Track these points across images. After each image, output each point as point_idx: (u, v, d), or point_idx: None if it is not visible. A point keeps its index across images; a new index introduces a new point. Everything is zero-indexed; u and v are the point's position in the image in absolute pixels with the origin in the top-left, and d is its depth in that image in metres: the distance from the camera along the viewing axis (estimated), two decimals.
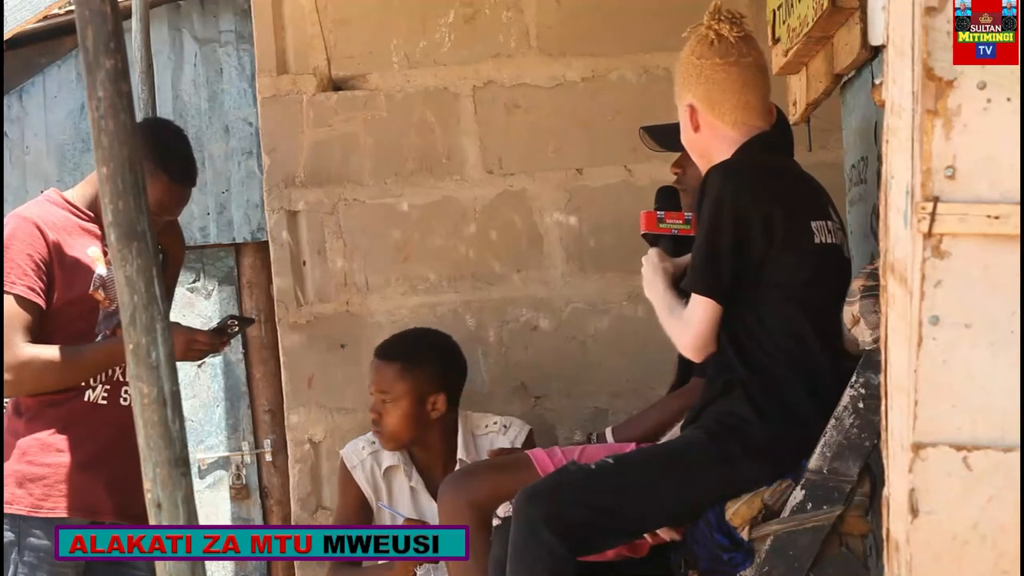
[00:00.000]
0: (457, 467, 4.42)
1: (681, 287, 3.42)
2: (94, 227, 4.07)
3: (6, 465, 3.99)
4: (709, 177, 3.34)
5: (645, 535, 3.53)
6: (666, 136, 3.81)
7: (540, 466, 3.63)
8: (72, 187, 4.22)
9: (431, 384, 4.42)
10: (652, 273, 3.52)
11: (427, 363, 4.43)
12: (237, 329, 4.22)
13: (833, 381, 3.27)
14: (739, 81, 3.43)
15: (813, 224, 3.37)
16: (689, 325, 3.36)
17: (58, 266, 3.99)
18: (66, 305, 4.00)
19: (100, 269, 4.04)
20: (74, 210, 4.08)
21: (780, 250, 3.31)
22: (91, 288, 4.03)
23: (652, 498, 3.36)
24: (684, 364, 4.13)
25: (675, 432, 3.69)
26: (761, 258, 3.31)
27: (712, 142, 3.44)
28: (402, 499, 4.50)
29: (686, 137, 3.49)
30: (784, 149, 3.63)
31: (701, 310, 3.34)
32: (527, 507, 3.34)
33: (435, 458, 4.48)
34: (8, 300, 3.94)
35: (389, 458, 4.50)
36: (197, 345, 4.11)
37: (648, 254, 3.57)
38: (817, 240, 3.37)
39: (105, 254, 4.03)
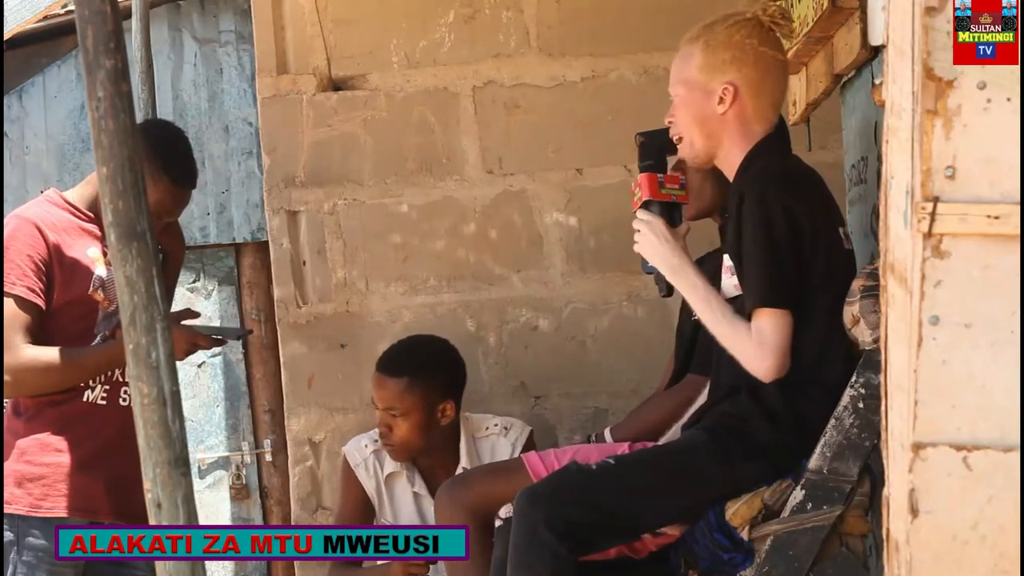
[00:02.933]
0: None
1: (747, 308, 3.26)
2: (94, 228, 4.07)
3: (5, 465, 3.99)
4: (756, 185, 3.27)
5: (647, 537, 3.52)
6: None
7: (533, 470, 3.62)
8: (72, 187, 4.22)
9: (439, 393, 4.37)
10: (658, 240, 3.38)
11: (433, 373, 4.38)
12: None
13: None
14: (783, 79, 3.43)
15: (840, 231, 3.37)
16: (766, 346, 3.22)
17: (58, 267, 3.99)
18: (65, 306, 4.00)
19: (99, 270, 4.04)
20: (74, 211, 4.08)
21: (823, 257, 3.29)
22: (90, 289, 4.03)
23: (653, 498, 3.35)
24: (682, 359, 4.13)
25: (675, 431, 3.68)
26: (808, 265, 3.27)
27: (732, 127, 3.37)
28: (404, 505, 4.49)
29: (702, 113, 3.38)
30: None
31: (778, 324, 3.22)
32: (528, 508, 3.33)
33: (439, 463, 4.45)
34: (8, 301, 3.94)
35: (391, 463, 4.48)
36: (197, 348, 4.13)
37: (651, 221, 3.41)
38: (846, 247, 3.36)
39: (105, 255, 4.03)
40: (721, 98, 3.35)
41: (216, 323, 7.39)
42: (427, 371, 4.37)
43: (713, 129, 3.39)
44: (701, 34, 3.40)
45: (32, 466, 3.99)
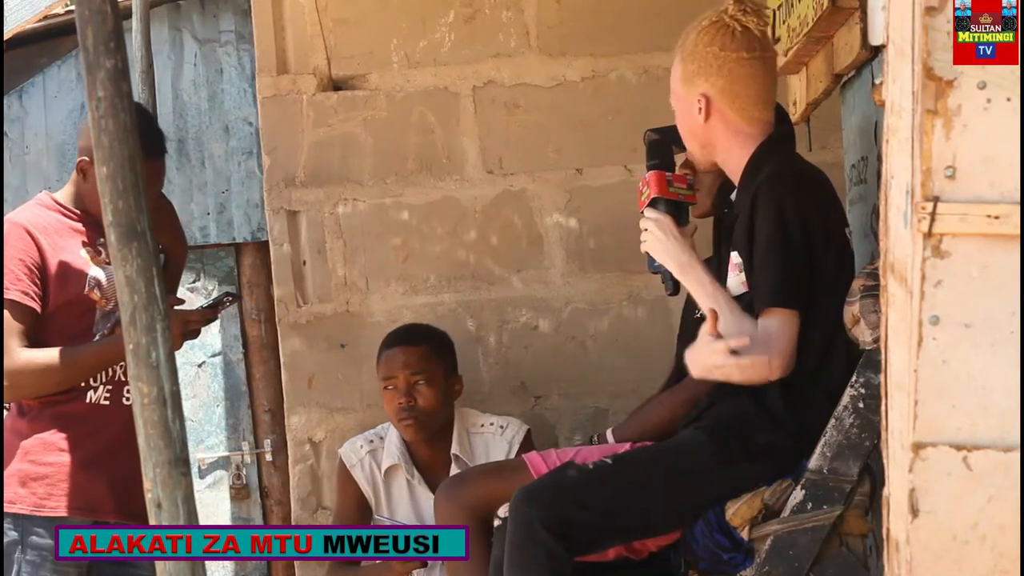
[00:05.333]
0: (452, 463, 4.43)
1: (757, 307, 3.26)
2: (81, 226, 4.07)
3: (9, 465, 4.00)
4: (771, 186, 3.26)
5: (647, 540, 3.52)
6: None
7: (535, 469, 3.62)
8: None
9: (451, 366, 4.52)
10: (667, 237, 3.36)
11: (446, 346, 4.53)
12: (229, 303, 4.23)
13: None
14: (762, 77, 3.38)
15: (846, 230, 3.37)
16: (772, 345, 3.21)
17: (50, 269, 4.00)
18: (62, 307, 4.01)
19: (93, 269, 4.04)
20: (64, 211, 4.09)
21: (833, 258, 3.29)
22: (85, 289, 4.03)
23: (650, 498, 3.35)
24: (683, 360, 4.13)
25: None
26: (819, 267, 3.27)
27: (720, 134, 3.38)
28: (401, 497, 4.51)
29: (690, 124, 3.40)
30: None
31: (786, 324, 3.22)
32: (524, 506, 3.33)
33: (436, 454, 4.48)
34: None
35: (389, 457, 4.50)
36: (191, 325, 4.11)
37: (659, 218, 3.39)
38: (851, 247, 3.37)
39: (99, 253, 4.03)
40: (699, 109, 3.36)
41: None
42: (441, 342, 4.53)
43: (705, 138, 3.40)
44: (679, 43, 3.40)
45: (36, 466, 4.00)
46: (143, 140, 4.03)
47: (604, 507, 3.34)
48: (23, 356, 3.95)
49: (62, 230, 4.06)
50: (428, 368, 4.43)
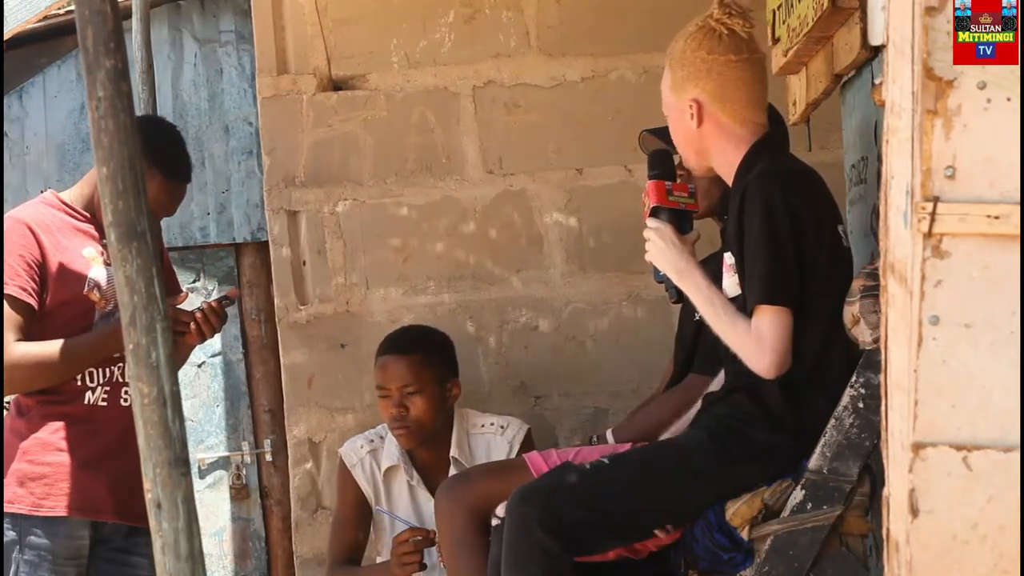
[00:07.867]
0: (450, 465, 4.42)
1: (748, 306, 3.26)
2: (90, 227, 4.07)
3: (8, 465, 4.00)
4: (759, 184, 3.27)
5: (646, 540, 3.51)
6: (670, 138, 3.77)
7: (535, 469, 3.62)
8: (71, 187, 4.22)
9: (447, 370, 4.46)
10: (666, 245, 3.39)
11: (440, 350, 4.48)
12: (228, 303, 4.20)
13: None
14: (752, 78, 3.39)
15: (839, 228, 3.37)
16: (764, 343, 3.21)
17: (50, 267, 4.00)
18: (61, 306, 4.01)
19: (94, 271, 4.04)
20: (69, 211, 4.09)
21: (826, 256, 3.29)
22: (85, 289, 4.03)
23: (648, 498, 3.35)
24: (682, 360, 4.13)
25: (681, 426, 3.66)
26: (811, 265, 3.27)
27: (714, 139, 3.38)
28: (401, 499, 4.50)
29: (683, 131, 3.41)
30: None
31: (777, 322, 3.21)
32: (520, 506, 3.33)
33: (435, 456, 4.48)
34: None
35: (388, 458, 4.50)
36: (182, 330, 4.10)
37: (659, 227, 3.42)
38: (844, 244, 3.37)
39: (103, 254, 4.04)
40: (691, 115, 3.37)
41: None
42: (436, 347, 4.47)
43: (699, 144, 3.41)
44: (667, 51, 3.42)
45: (34, 465, 4.00)
46: (181, 164, 4.09)
47: (601, 506, 3.34)
48: (19, 350, 3.95)
49: (66, 230, 4.06)
50: (420, 379, 4.38)
